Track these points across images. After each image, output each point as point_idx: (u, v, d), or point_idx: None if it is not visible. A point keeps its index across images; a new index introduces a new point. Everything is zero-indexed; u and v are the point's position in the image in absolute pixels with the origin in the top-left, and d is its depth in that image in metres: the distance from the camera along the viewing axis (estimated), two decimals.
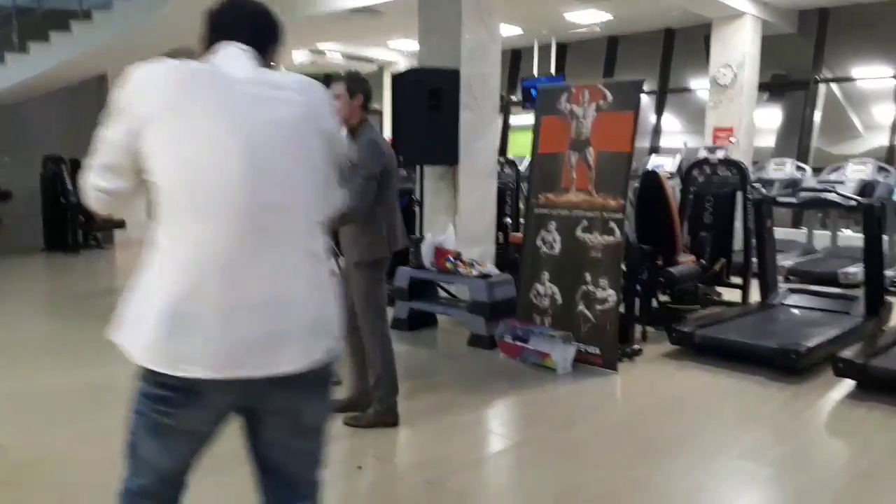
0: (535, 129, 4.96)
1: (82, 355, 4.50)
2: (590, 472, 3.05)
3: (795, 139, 9.95)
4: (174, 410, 1.45)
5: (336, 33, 11.05)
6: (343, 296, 3.30)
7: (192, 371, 1.39)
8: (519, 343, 4.55)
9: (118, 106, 1.43)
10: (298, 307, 1.47)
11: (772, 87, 10.57)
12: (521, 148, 10.72)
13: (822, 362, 4.26)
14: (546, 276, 4.75)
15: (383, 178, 3.23)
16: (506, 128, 12.49)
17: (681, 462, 3.17)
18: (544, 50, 11.08)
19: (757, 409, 3.86)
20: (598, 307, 4.44)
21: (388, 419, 3.45)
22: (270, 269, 1.43)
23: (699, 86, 10.62)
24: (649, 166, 8.32)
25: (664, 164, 8.60)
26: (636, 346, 4.73)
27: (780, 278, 6.26)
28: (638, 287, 4.99)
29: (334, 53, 12.77)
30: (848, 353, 4.05)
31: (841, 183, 7.23)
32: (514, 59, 12.30)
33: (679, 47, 10.95)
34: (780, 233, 6.83)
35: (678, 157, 8.84)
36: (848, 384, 4.04)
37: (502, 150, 11.81)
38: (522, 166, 7.98)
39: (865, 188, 7.23)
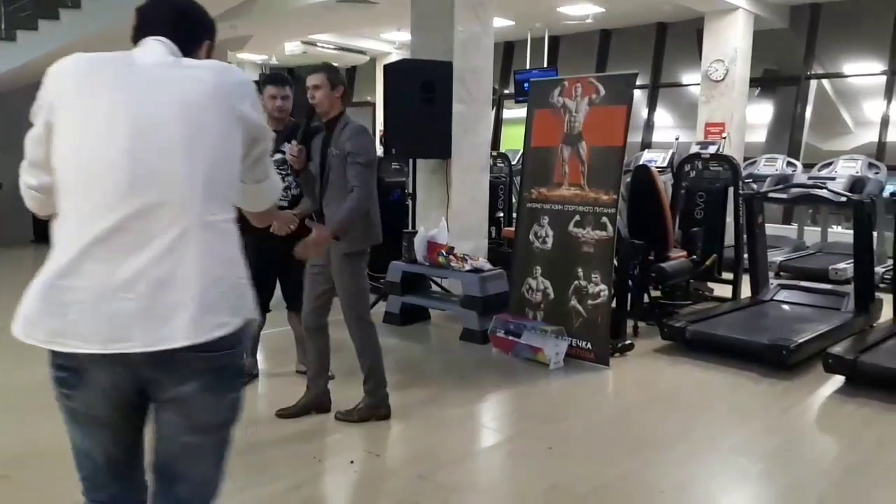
0: (528, 123, 4.95)
1: None
2: (581, 467, 3.05)
3: (786, 135, 9.99)
4: (70, 392, 1.46)
5: (328, 24, 10.98)
6: (327, 287, 3.31)
7: (68, 345, 1.38)
8: (511, 338, 4.54)
9: (37, 102, 1.47)
10: (182, 283, 1.39)
11: (763, 82, 10.60)
12: (514, 141, 10.70)
13: (812, 358, 4.28)
14: (538, 270, 4.74)
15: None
16: (499, 121, 12.47)
17: (672, 456, 3.18)
18: (537, 43, 11.07)
19: (748, 405, 3.88)
20: (590, 302, 4.45)
21: (381, 412, 3.45)
22: (150, 244, 1.38)
23: (691, 80, 10.64)
24: (641, 161, 8.34)
25: (656, 160, 8.61)
26: (628, 341, 4.74)
27: (771, 274, 6.28)
28: (630, 282, 5.00)
29: (326, 45, 12.70)
30: (838, 349, 4.08)
31: (831, 179, 7.26)
32: (507, 51, 12.28)
33: (671, 41, 10.96)
34: (771, 229, 6.87)
35: (670, 153, 8.85)
36: (837, 380, 4.07)
37: (495, 143, 11.80)
38: (515, 160, 7.96)
39: (856, 184, 7.26)
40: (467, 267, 4.97)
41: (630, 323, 4.99)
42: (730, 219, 6.18)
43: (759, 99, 10.79)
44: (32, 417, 3.38)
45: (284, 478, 2.89)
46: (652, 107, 11.14)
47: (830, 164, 7.90)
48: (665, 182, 6.26)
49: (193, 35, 1.63)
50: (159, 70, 1.49)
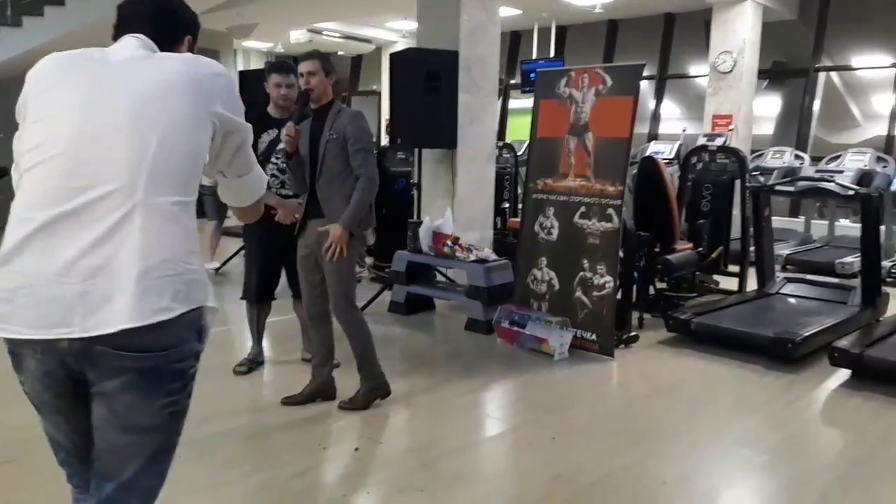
0: (534, 113, 4.92)
1: None
2: (585, 457, 3.05)
3: (794, 128, 9.93)
4: (19, 377, 1.46)
5: (334, 12, 10.95)
6: (320, 274, 3.32)
7: (9, 330, 1.37)
8: (516, 328, 4.54)
9: (18, 102, 1.51)
10: (121, 267, 1.35)
11: (771, 74, 10.53)
12: (520, 132, 10.66)
13: (818, 351, 4.27)
14: (544, 261, 4.73)
15: None
16: (504, 111, 12.43)
17: (676, 448, 3.18)
18: (544, 32, 11.01)
19: (752, 397, 3.87)
20: (596, 293, 4.44)
21: (381, 392, 3.47)
22: (91, 228, 1.36)
23: (699, 72, 10.57)
24: (648, 153, 8.30)
25: (663, 151, 8.57)
26: (633, 333, 4.73)
27: (778, 267, 6.27)
28: (635, 274, 4.99)
29: (332, 33, 12.66)
30: (844, 342, 4.06)
31: (839, 172, 7.22)
32: (514, 41, 12.22)
33: (679, 32, 10.89)
34: (778, 222, 6.83)
35: (677, 144, 8.81)
36: (843, 374, 4.06)
37: (501, 134, 11.76)
38: (521, 151, 7.94)
39: (863, 178, 7.22)
40: (472, 257, 4.96)
41: (635, 315, 4.98)
42: (736, 211, 6.15)
43: (768, 91, 10.72)
44: None
45: (289, 464, 2.90)
46: (659, 98, 11.09)
47: (838, 157, 7.86)
48: (672, 174, 6.24)
49: (173, 32, 1.64)
50: (128, 63, 1.50)
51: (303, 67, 3.22)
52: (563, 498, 2.72)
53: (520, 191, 7.53)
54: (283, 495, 2.69)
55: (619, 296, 4.55)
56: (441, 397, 3.71)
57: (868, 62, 10.13)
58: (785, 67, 10.73)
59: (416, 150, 5.86)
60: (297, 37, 12.76)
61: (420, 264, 5.30)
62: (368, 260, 6.60)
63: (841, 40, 9.86)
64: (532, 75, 8.83)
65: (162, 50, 1.58)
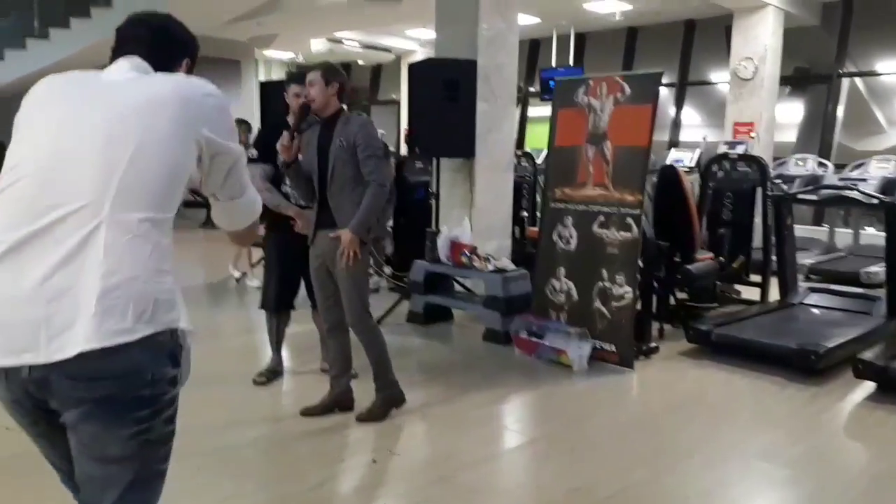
0: (552, 122, 4.92)
1: None
2: (603, 470, 3.03)
3: (818, 134, 9.81)
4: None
5: (353, 22, 11.02)
6: (334, 284, 3.33)
7: None
8: (534, 339, 4.52)
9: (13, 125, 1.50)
10: (84, 288, 1.29)
11: (794, 80, 10.41)
12: (539, 140, 10.64)
13: (842, 364, 4.19)
14: (562, 271, 4.71)
15: None
16: (524, 119, 12.41)
17: (696, 461, 3.15)
18: (563, 40, 10.99)
19: (774, 410, 3.82)
20: (615, 304, 4.41)
21: (397, 401, 3.48)
22: (56, 250, 1.31)
23: (720, 79, 10.49)
24: (668, 160, 8.24)
25: (683, 159, 8.51)
26: (653, 344, 4.69)
27: (801, 277, 6.18)
28: (655, 284, 4.95)
29: (352, 42, 12.74)
30: (868, 354, 3.99)
31: (863, 180, 7.11)
32: (533, 49, 12.21)
33: (699, 39, 10.81)
34: (802, 230, 6.75)
35: (698, 152, 8.75)
36: (868, 386, 3.98)
37: (520, 142, 11.75)
38: (540, 159, 7.92)
39: (888, 186, 7.10)
40: (490, 267, 4.95)
41: (655, 325, 4.93)
42: (758, 220, 6.08)
43: (790, 97, 10.61)
44: None
45: (307, 476, 2.92)
46: (679, 105, 11.01)
47: (862, 164, 7.75)
48: (692, 182, 6.19)
49: (171, 54, 1.63)
50: (117, 83, 1.49)
51: (307, 79, 3.28)
52: None
53: (539, 199, 7.50)
54: None
55: (638, 306, 4.51)
56: (458, 409, 3.70)
57: (893, 67, 9.98)
58: (807, 73, 10.61)
59: (435, 160, 5.87)
60: (318, 46, 12.85)
61: (438, 274, 5.30)
62: (387, 269, 6.62)
63: (865, 46, 9.72)
64: (551, 83, 8.83)
65: (159, 71, 1.57)
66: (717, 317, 5.05)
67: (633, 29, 11.25)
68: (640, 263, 4.51)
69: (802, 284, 5.75)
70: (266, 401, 3.81)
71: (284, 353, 4.14)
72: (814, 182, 7.41)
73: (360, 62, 14.61)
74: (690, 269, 5.16)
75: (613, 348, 4.39)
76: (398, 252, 6.64)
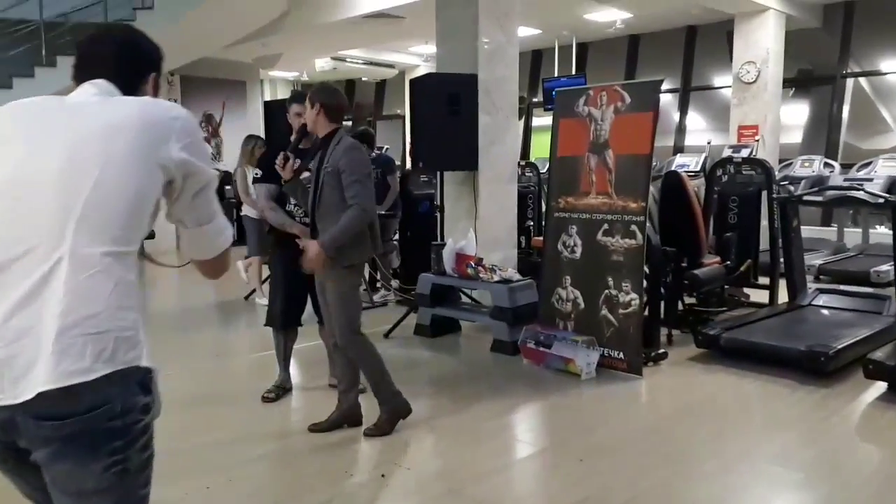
0: (554, 132, 4.94)
1: None
2: (614, 478, 3.02)
3: (823, 135, 9.78)
4: None
5: (357, 39, 11.11)
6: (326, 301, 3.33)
7: None
8: (542, 348, 4.52)
9: None
10: (43, 326, 1.25)
11: (797, 82, 10.40)
12: (544, 150, 10.66)
13: (853, 364, 4.17)
14: (568, 280, 4.72)
15: None
16: (528, 130, 12.45)
17: (707, 467, 3.13)
18: (565, 50, 11.04)
19: (785, 413, 3.80)
20: (622, 311, 4.41)
21: (403, 412, 3.48)
22: (17, 287, 1.27)
23: (723, 83, 10.49)
24: (674, 166, 8.24)
25: (688, 164, 8.51)
26: (661, 350, 4.68)
27: (810, 278, 6.15)
28: (662, 290, 4.94)
29: (356, 59, 12.85)
30: (879, 354, 3.97)
31: (869, 180, 7.08)
32: (535, 59, 12.27)
33: (701, 44, 10.83)
34: (810, 231, 6.73)
35: (702, 156, 8.74)
36: (879, 387, 3.95)
37: (525, 152, 11.78)
38: (544, 169, 7.94)
39: (895, 185, 7.06)
40: (496, 278, 4.97)
41: (663, 331, 4.92)
42: (764, 222, 6.07)
43: (795, 99, 10.59)
44: None
45: (317, 492, 2.92)
46: (683, 110, 11.02)
47: (869, 164, 7.71)
48: (698, 186, 6.18)
49: (136, 69, 1.56)
50: (79, 107, 1.43)
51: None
52: None
53: (543, 209, 7.51)
54: None
55: (646, 313, 4.50)
56: (467, 420, 3.71)
57: None
58: (811, 75, 10.60)
59: (439, 173, 5.91)
60: (322, 65, 12.96)
61: (445, 286, 5.31)
62: (394, 283, 6.64)
63: (868, 45, 9.71)
64: (554, 93, 8.86)
65: (126, 89, 1.50)
66: (725, 321, 5.04)
67: (635, 36, 11.29)
68: (647, 270, 4.50)
69: (811, 285, 5.73)
70: (275, 417, 3.83)
71: (293, 369, 4.16)
72: (820, 183, 7.38)
73: (365, 78, 14.72)
74: (697, 273, 5.15)
75: (621, 356, 4.38)
76: (405, 265, 6.67)
